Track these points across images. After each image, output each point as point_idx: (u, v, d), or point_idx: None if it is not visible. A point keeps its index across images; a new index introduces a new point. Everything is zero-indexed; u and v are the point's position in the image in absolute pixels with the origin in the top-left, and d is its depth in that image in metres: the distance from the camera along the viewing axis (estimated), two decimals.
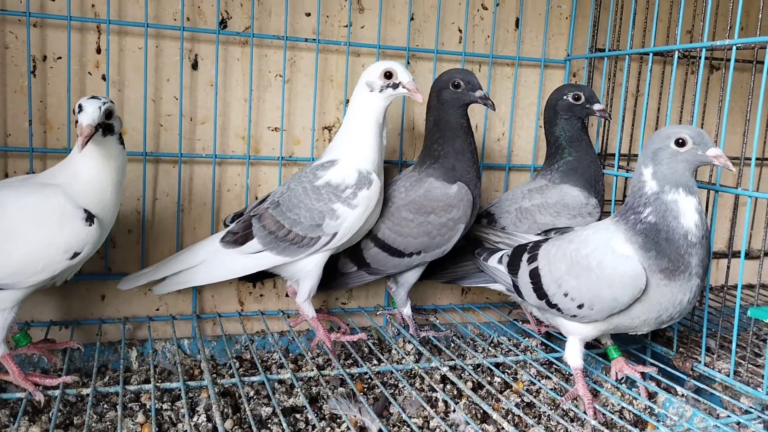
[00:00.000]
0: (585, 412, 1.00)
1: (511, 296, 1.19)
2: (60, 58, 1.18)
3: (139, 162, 1.22)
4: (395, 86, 1.10)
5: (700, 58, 1.10)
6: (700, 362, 1.14)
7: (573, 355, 1.06)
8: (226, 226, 1.21)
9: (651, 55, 1.22)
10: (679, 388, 1.10)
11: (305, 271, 1.13)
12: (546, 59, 1.47)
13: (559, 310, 1.03)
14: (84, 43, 1.19)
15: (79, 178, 0.94)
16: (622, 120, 1.33)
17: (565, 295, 1.01)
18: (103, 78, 1.20)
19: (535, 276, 1.06)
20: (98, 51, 1.20)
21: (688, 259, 0.93)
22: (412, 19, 1.37)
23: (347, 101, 1.34)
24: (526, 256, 1.09)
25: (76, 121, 0.88)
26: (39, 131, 1.18)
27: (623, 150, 1.48)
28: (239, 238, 1.12)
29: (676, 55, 1.16)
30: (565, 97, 1.25)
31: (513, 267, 1.11)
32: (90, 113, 0.88)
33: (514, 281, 1.11)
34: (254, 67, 1.28)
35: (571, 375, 1.14)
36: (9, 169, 1.18)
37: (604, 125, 1.46)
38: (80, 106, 0.89)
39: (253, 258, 1.12)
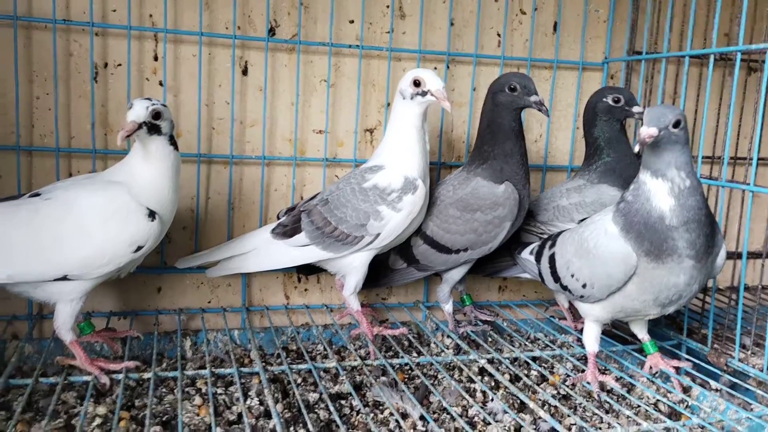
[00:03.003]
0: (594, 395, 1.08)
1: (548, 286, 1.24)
2: (120, 65, 1.25)
3: (194, 163, 1.29)
4: (424, 94, 1.13)
5: (736, 60, 1.13)
6: (734, 358, 1.16)
7: (588, 339, 1.12)
8: (278, 219, 1.27)
9: (687, 58, 1.24)
10: (713, 383, 1.13)
11: (351, 266, 1.18)
12: (584, 62, 1.50)
13: (570, 291, 1.09)
14: (142, 51, 1.27)
15: (137, 178, 1.01)
16: None
17: (572, 275, 1.07)
18: (160, 84, 1.27)
19: (552, 261, 1.12)
20: (155, 58, 1.27)
21: (672, 243, 0.95)
22: (451, 24, 1.42)
23: (388, 104, 1.39)
24: (548, 244, 1.16)
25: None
26: (100, 134, 1.26)
27: None
28: (288, 230, 1.19)
29: (711, 59, 1.18)
30: (604, 99, 1.28)
31: (539, 255, 1.18)
32: (136, 111, 0.96)
33: (539, 268, 1.17)
34: (300, 72, 1.34)
35: (607, 369, 1.17)
36: (73, 169, 1.26)
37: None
38: (131, 105, 0.97)
39: (299, 251, 1.18)
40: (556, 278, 1.12)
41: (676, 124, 0.93)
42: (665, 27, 1.34)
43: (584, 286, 1.05)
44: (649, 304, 1.02)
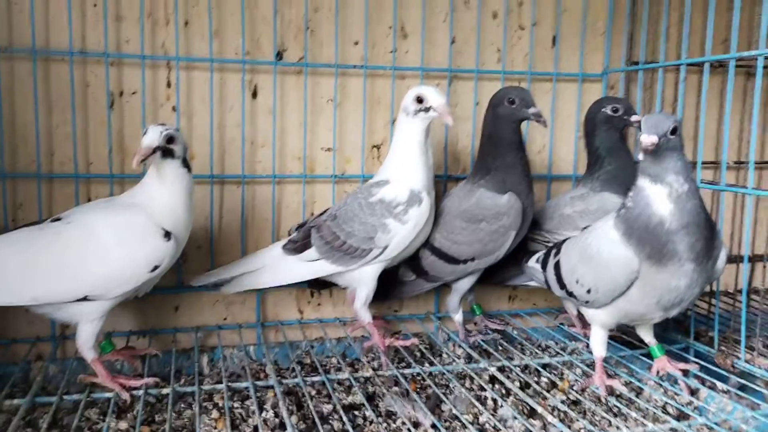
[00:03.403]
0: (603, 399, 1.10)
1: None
2: (135, 92, 1.30)
3: (207, 184, 1.34)
4: (426, 110, 1.16)
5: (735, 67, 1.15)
6: (740, 359, 1.17)
7: (595, 344, 1.14)
8: (289, 235, 1.30)
9: (683, 66, 1.27)
10: (721, 384, 1.14)
11: (361, 280, 1.21)
12: (583, 74, 1.53)
13: (575, 297, 1.11)
14: (156, 79, 1.31)
15: (152, 200, 1.05)
16: None
17: (577, 281, 1.09)
18: (173, 109, 1.32)
19: (557, 268, 1.14)
20: (168, 85, 1.32)
21: (673, 247, 0.96)
22: (452, 42, 1.46)
23: (393, 121, 1.43)
24: (553, 252, 1.18)
25: None
26: (117, 159, 1.30)
27: None
28: (299, 246, 1.22)
29: (706, 66, 1.21)
30: (603, 110, 1.30)
31: (544, 263, 1.20)
32: (151, 136, 1.01)
33: (545, 276, 1.18)
34: (308, 93, 1.38)
35: (616, 374, 1.19)
36: (92, 194, 1.30)
37: None
38: (146, 131, 1.02)
39: (310, 265, 1.21)
40: (562, 285, 1.15)
41: (673, 131, 0.95)
42: (661, 37, 1.37)
43: (589, 291, 1.08)
44: (653, 307, 1.04)
